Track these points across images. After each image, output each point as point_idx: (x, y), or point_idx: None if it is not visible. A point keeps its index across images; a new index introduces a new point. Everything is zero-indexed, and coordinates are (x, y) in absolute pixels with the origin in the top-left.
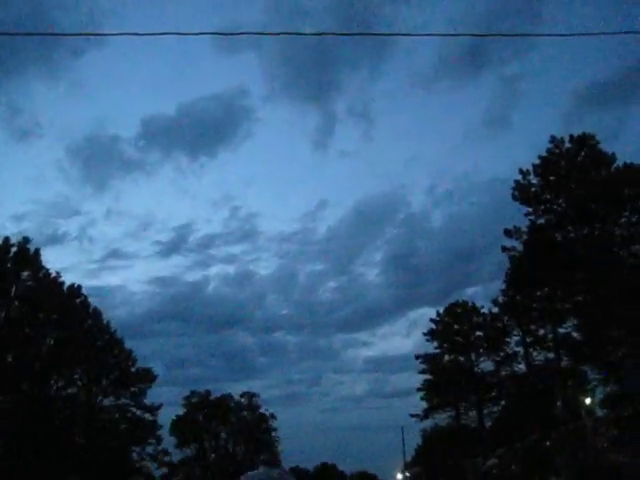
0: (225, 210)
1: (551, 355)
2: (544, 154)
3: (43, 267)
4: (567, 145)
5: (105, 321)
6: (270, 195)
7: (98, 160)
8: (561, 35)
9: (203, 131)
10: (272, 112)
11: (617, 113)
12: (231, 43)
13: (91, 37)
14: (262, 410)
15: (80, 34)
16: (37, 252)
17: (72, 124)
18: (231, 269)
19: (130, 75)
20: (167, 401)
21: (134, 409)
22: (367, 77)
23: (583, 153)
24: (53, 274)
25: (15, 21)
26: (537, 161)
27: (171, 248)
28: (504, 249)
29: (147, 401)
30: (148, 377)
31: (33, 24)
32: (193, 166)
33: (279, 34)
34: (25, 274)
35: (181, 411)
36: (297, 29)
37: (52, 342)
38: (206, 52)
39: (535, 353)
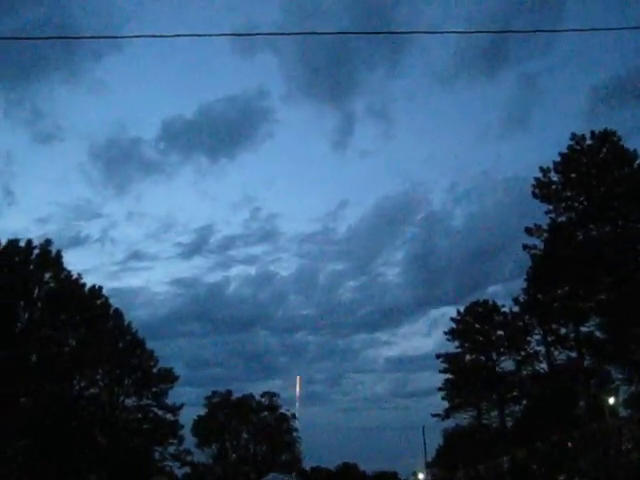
0: (245, 211)
1: (573, 354)
2: (565, 151)
3: (65, 269)
4: (588, 142)
5: (126, 322)
6: (290, 196)
7: (119, 162)
8: (579, 30)
9: (223, 132)
10: (291, 113)
11: (638, 109)
12: (249, 44)
13: (111, 40)
14: (283, 410)
15: (100, 37)
16: (59, 254)
17: (93, 127)
18: (252, 270)
19: (150, 77)
20: (189, 401)
21: (156, 409)
22: (385, 76)
23: (605, 150)
24: (75, 276)
25: (37, 26)
26: (557, 158)
27: (192, 249)
28: (525, 247)
29: (169, 401)
30: (169, 377)
31: (55, 29)
32: (213, 168)
33: (295, 34)
34: (47, 276)
35: (203, 411)
36: (314, 29)
37: (74, 343)
38: (225, 53)
39: (557, 352)
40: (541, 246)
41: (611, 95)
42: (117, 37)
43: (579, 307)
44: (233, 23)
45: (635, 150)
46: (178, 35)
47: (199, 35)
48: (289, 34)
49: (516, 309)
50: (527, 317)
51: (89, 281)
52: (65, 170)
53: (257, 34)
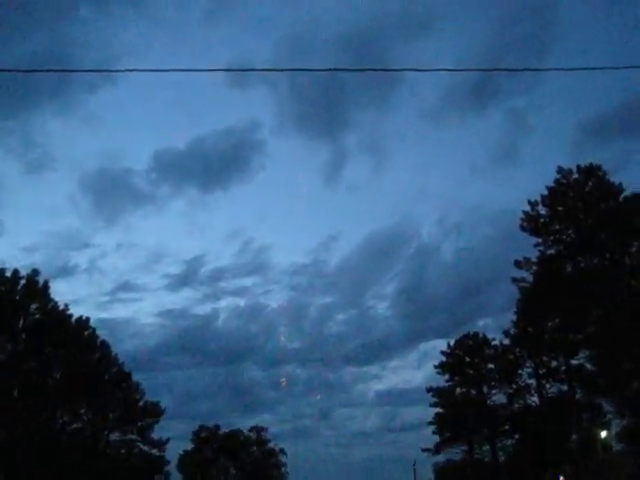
0: (236, 243)
1: (565, 387)
2: (552, 185)
3: (52, 299)
4: (575, 176)
5: (113, 354)
6: (281, 228)
7: (110, 193)
8: (565, 69)
9: (214, 164)
10: (283, 146)
11: (623, 144)
12: (242, 78)
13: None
14: (271, 445)
15: (94, 70)
16: (46, 284)
17: (85, 157)
18: (241, 302)
19: (143, 109)
20: (176, 435)
21: (141, 444)
22: (376, 111)
23: (591, 183)
24: (61, 306)
25: (33, 57)
26: (545, 192)
27: (181, 281)
28: (514, 280)
29: (155, 436)
30: (155, 411)
31: (50, 61)
32: (204, 199)
33: (288, 70)
34: (33, 307)
35: (189, 446)
36: (307, 65)
37: (59, 376)
38: (218, 86)
39: (548, 385)
40: (530, 279)
41: (597, 130)
42: (111, 71)
43: (569, 340)
44: (227, 57)
45: (620, 184)
46: (172, 70)
47: (193, 70)
48: (282, 70)
49: (507, 342)
50: (517, 350)
51: (77, 312)
52: (55, 200)
53: (250, 70)
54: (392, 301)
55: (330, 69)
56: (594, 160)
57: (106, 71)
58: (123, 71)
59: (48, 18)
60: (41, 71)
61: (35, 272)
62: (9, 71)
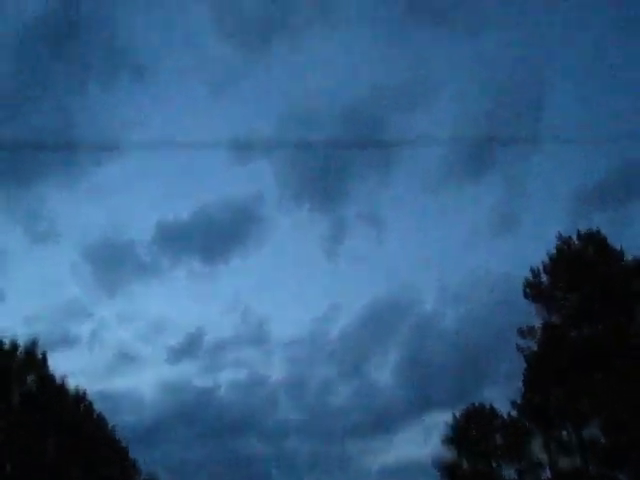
0: (237, 314)
1: (577, 460)
2: (552, 251)
3: (49, 371)
4: (575, 242)
5: (110, 426)
6: (282, 299)
7: (112, 264)
8: (559, 141)
9: (217, 236)
10: (284, 218)
11: (621, 209)
12: (245, 150)
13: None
14: None
15: (100, 146)
16: (44, 355)
17: (88, 229)
18: (242, 374)
19: (147, 180)
20: None
21: None
22: (376, 182)
23: (591, 249)
24: (58, 379)
25: (42, 131)
26: (546, 258)
27: (182, 353)
28: (519, 349)
29: None
30: None
31: (57, 135)
32: (206, 270)
33: (289, 144)
34: (30, 378)
35: None
36: (309, 139)
37: (54, 449)
38: (221, 159)
39: (560, 459)
40: (534, 347)
41: (594, 195)
42: (117, 148)
43: (577, 409)
44: (231, 131)
45: (621, 249)
46: (174, 143)
47: (197, 144)
48: (283, 144)
49: (514, 413)
50: (526, 422)
51: (75, 383)
52: (58, 270)
53: (251, 145)
54: (395, 372)
55: (331, 142)
56: (593, 225)
57: (112, 148)
58: (130, 146)
59: (57, 94)
60: (47, 147)
61: (33, 343)
62: (17, 146)
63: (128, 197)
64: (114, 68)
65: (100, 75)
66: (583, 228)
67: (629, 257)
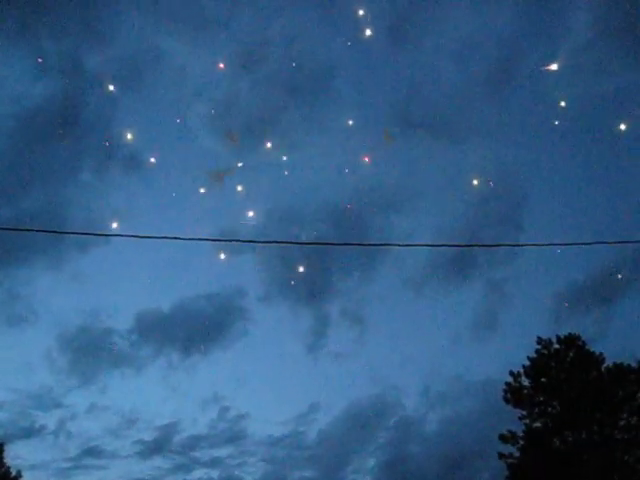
0: (213, 410)
1: None
2: (533, 355)
3: (4, 464)
4: (555, 346)
5: None
6: (260, 396)
7: (88, 352)
8: (539, 245)
9: (197, 329)
10: (266, 313)
11: (601, 313)
12: (230, 244)
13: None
14: None
15: (84, 233)
16: (1, 447)
17: (67, 314)
18: (215, 474)
19: (130, 270)
20: None
21: None
22: (359, 281)
23: (572, 354)
24: (14, 473)
25: (29, 214)
26: (526, 361)
27: (153, 448)
28: (501, 456)
29: None
30: None
31: (44, 219)
32: (184, 363)
33: (272, 242)
34: None
35: None
36: (292, 235)
37: None
38: (206, 252)
39: None
40: (517, 454)
41: (574, 299)
42: (102, 234)
43: None
44: (215, 224)
45: (601, 353)
46: (164, 237)
47: (182, 239)
48: (269, 242)
49: None
50: None
51: (34, 478)
52: (30, 355)
53: (236, 240)
54: (374, 476)
55: (315, 243)
56: (573, 329)
57: (96, 234)
58: (114, 235)
59: (50, 179)
60: (32, 230)
61: None
62: (2, 228)
63: (110, 284)
64: (108, 158)
65: (94, 164)
66: (564, 333)
67: (610, 363)
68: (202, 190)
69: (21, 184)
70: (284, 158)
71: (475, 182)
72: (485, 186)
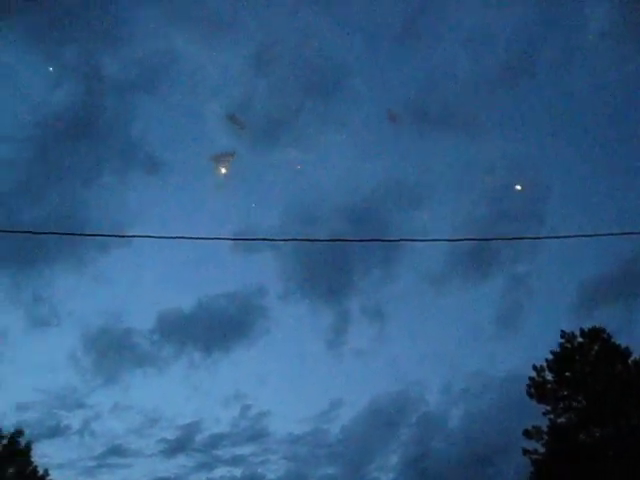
0: (235, 408)
1: None
2: (557, 349)
3: (32, 463)
4: (579, 339)
5: None
6: (282, 394)
7: (111, 352)
8: (561, 237)
9: (218, 328)
10: (287, 311)
11: (625, 305)
12: (249, 244)
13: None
14: None
15: (104, 235)
16: (28, 446)
17: (90, 315)
18: (238, 472)
19: (150, 270)
20: None
21: None
22: (379, 277)
23: (596, 347)
24: (41, 471)
25: (50, 216)
26: (550, 356)
27: (176, 447)
28: (525, 452)
29: None
30: None
31: (66, 221)
32: (206, 362)
33: (291, 240)
34: (11, 470)
35: None
36: (311, 232)
37: None
38: (226, 251)
39: None
40: (542, 450)
41: (598, 292)
42: (122, 236)
43: None
44: (235, 224)
45: (627, 347)
46: (182, 237)
47: (201, 238)
48: (287, 240)
49: None
50: None
51: (60, 476)
52: (55, 356)
53: (256, 239)
54: (398, 472)
55: (332, 239)
56: (596, 322)
57: (116, 236)
58: (134, 237)
59: (69, 183)
60: (55, 234)
61: (18, 432)
62: (25, 232)
63: (131, 285)
64: (129, 160)
65: (115, 166)
66: (588, 326)
67: (636, 355)
68: (217, 189)
69: (42, 188)
70: (299, 157)
71: (494, 176)
72: (505, 180)
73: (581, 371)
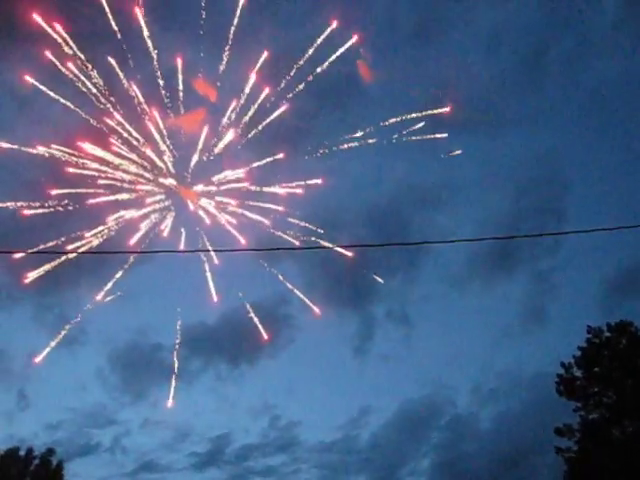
0: (264, 419)
1: None
2: (584, 345)
3: None
4: (606, 334)
5: None
6: (310, 402)
7: (138, 368)
8: (583, 232)
9: (244, 339)
10: (312, 319)
11: None
12: (272, 252)
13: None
14: None
15: (128, 252)
16: (60, 465)
17: (116, 333)
18: None
19: (175, 284)
20: None
21: None
22: (403, 281)
23: (624, 341)
24: None
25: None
26: (577, 352)
27: (207, 460)
28: (558, 450)
29: None
30: None
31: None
32: (233, 374)
33: (315, 248)
34: None
35: None
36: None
37: None
38: (249, 260)
39: None
40: (575, 447)
41: (622, 286)
42: (145, 252)
43: None
44: (258, 233)
45: None
46: (203, 250)
47: (222, 250)
48: (309, 248)
49: None
50: None
51: None
52: (83, 375)
53: (277, 249)
54: (430, 476)
55: (355, 245)
56: (623, 316)
57: (139, 252)
58: (157, 252)
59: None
60: (81, 253)
61: (50, 452)
62: (55, 253)
63: (156, 300)
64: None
65: None
66: (615, 320)
67: None
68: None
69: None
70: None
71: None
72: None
73: (610, 366)
